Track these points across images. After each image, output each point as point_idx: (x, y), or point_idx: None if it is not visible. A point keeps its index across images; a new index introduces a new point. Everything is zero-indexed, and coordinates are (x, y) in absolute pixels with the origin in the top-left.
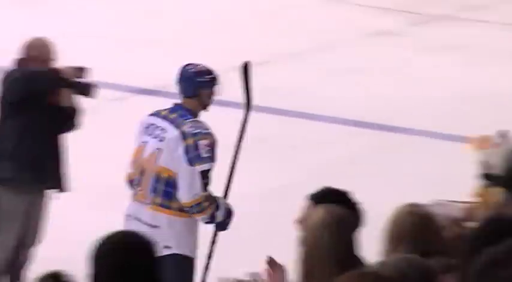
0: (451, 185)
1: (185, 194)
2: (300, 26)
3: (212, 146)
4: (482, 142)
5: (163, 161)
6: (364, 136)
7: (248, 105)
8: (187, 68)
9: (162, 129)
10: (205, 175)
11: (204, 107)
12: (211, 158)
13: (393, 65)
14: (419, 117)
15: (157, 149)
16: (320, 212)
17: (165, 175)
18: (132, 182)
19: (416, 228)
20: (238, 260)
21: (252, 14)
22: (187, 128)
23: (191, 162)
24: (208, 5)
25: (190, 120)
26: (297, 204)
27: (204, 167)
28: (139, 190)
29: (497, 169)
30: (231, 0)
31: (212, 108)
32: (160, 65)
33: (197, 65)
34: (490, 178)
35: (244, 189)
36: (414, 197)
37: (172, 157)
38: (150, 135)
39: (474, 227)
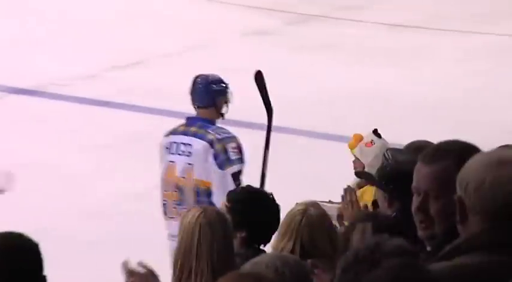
0: (326, 185)
1: (220, 199)
2: (176, 25)
3: (239, 148)
4: (357, 141)
5: (198, 174)
6: (241, 136)
7: (269, 110)
8: (200, 78)
9: (186, 144)
10: (236, 177)
11: (221, 115)
12: (241, 160)
13: (270, 65)
14: (296, 116)
15: (188, 164)
16: (194, 212)
17: (203, 187)
18: (165, 203)
19: (303, 227)
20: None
21: (127, 15)
22: (212, 136)
23: (221, 166)
24: (85, 6)
25: (212, 128)
26: None
27: (235, 168)
28: (183, 208)
29: (371, 168)
30: (106, 2)
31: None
32: (36, 65)
33: (208, 75)
34: (364, 177)
35: (120, 189)
36: (290, 196)
37: (204, 168)
38: (174, 153)
39: (347, 226)
